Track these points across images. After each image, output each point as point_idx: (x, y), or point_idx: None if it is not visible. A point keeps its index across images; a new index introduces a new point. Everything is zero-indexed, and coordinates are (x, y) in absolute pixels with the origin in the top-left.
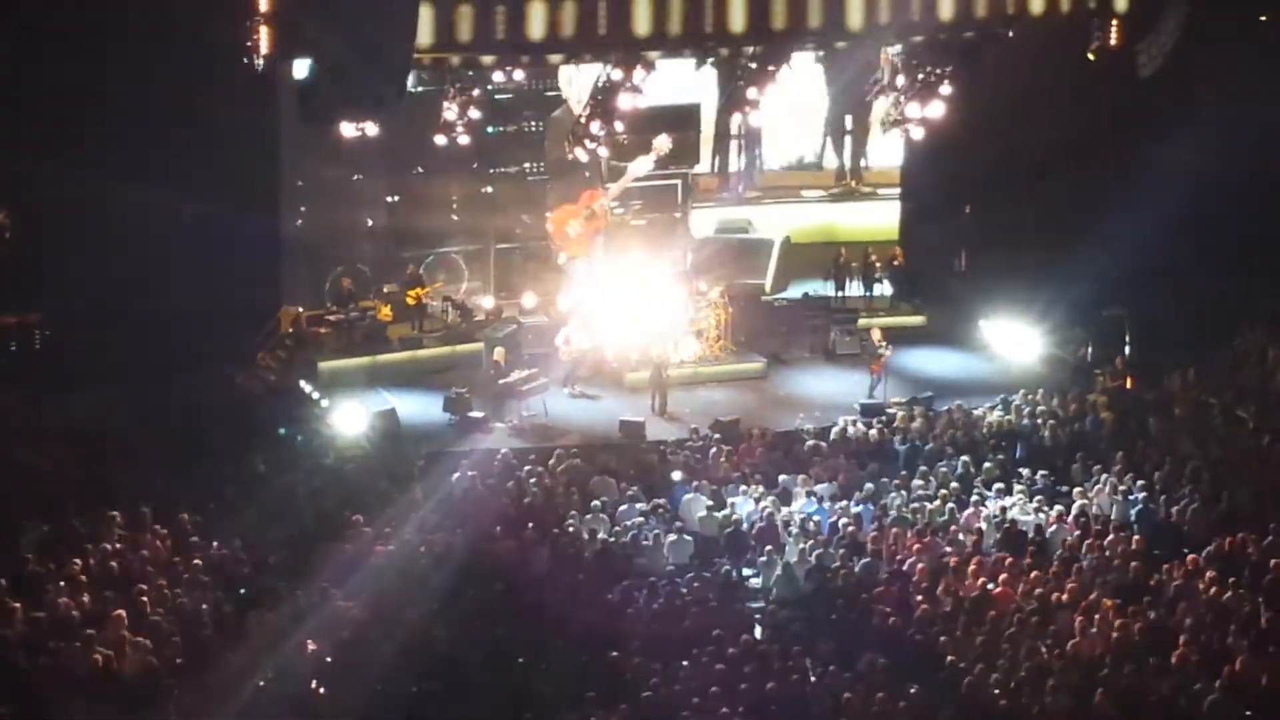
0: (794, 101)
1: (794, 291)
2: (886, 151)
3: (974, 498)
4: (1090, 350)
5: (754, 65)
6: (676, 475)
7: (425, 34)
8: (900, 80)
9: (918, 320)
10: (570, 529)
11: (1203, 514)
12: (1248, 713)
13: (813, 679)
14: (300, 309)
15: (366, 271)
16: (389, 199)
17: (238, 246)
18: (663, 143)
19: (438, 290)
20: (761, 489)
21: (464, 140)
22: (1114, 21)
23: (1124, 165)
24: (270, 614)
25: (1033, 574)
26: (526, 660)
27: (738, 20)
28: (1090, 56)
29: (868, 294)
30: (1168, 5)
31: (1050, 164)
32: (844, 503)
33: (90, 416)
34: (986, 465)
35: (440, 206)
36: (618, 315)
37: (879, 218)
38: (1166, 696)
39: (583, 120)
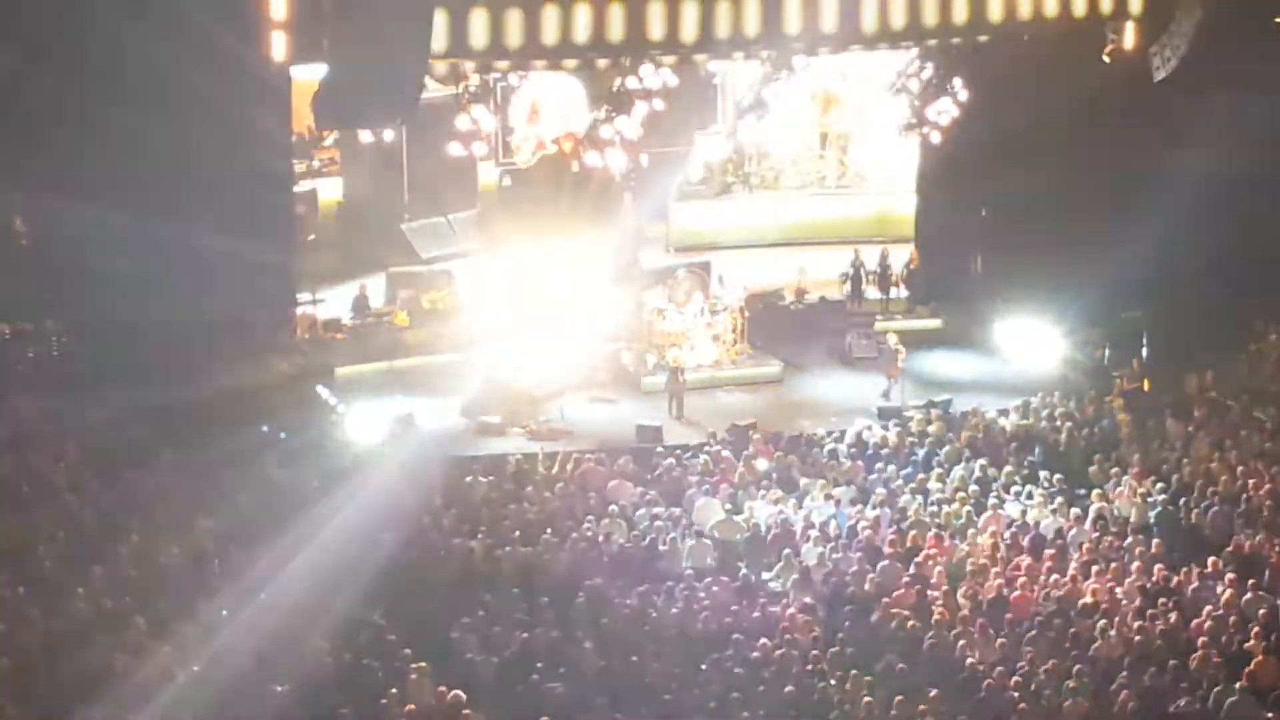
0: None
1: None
2: (872, 150)
3: (992, 500)
4: (1108, 352)
5: (768, 68)
6: (692, 479)
7: (439, 39)
8: (915, 85)
9: (934, 323)
10: (588, 533)
11: (1222, 516)
12: (1268, 715)
13: (831, 683)
14: (316, 314)
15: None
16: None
17: (253, 253)
18: None
19: (454, 295)
20: (779, 493)
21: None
22: (1129, 25)
23: (1140, 168)
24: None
25: (1052, 577)
26: (545, 664)
27: (752, 24)
28: (1105, 59)
29: (884, 297)
30: (1182, 8)
31: (1066, 167)
32: (861, 506)
33: (106, 422)
34: (1005, 468)
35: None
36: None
37: (862, 212)
38: (1186, 699)
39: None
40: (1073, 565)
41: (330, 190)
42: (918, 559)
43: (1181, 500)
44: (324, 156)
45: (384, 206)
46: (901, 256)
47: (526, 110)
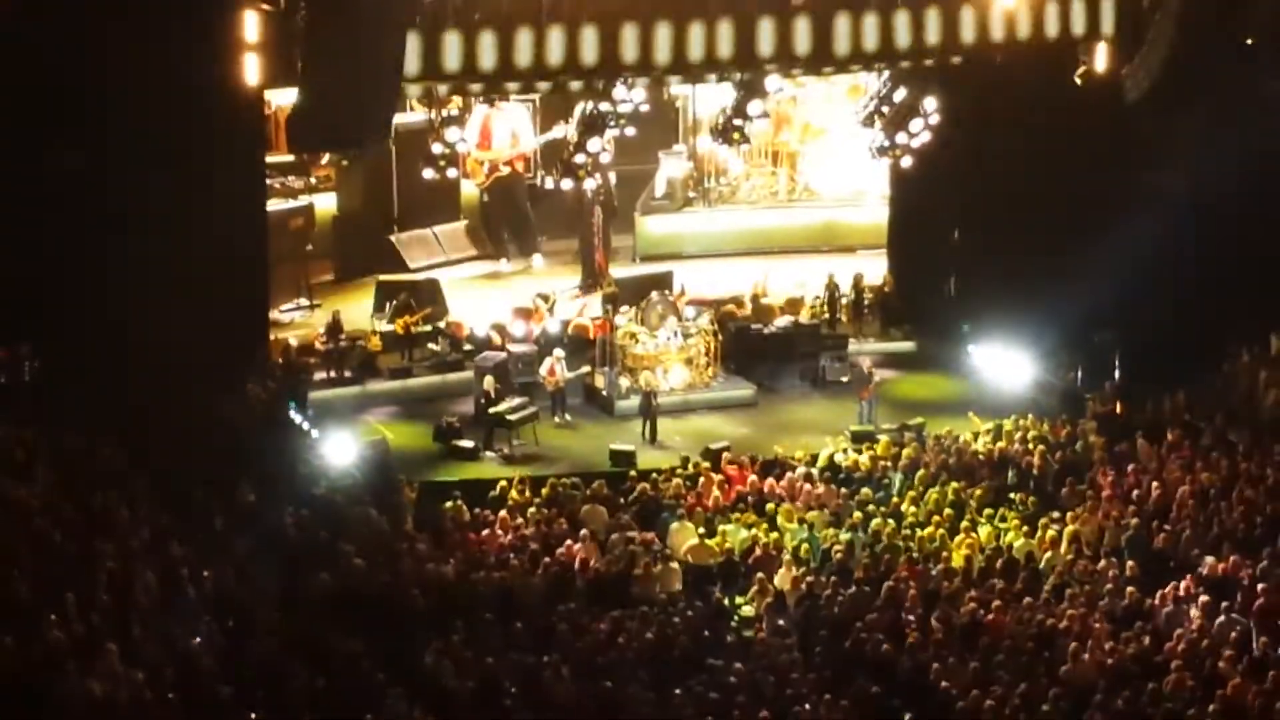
0: None
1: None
2: (820, 166)
3: (965, 524)
4: (1080, 375)
5: (742, 91)
6: (666, 503)
7: (411, 62)
8: (886, 109)
9: (907, 346)
10: (562, 558)
11: (1194, 539)
12: None
13: (805, 708)
14: (289, 339)
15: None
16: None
17: (226, 276)
18: None
19: (426, 318)
20: (753, 516)
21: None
22: (1101, 46)
23: (1112, 189)
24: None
25: (1025, 600)
26: (517, 691)
27: (725, 46)
28: (1078, 81)
29: (857, 320)
30: (1154, 29)
31: (1038, 189)
32: (835, 529)
33: (79, 448)
34: (977, 491)
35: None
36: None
37: (812, 223)
38: None
39: (570, 148)
40: (1045, 588)
41: (326, 204)
42: (891, 583)
43: (1154, 523)
44: (320, 174)
45: (375, 219)
46: (875, 279)
47: (476, 135)
